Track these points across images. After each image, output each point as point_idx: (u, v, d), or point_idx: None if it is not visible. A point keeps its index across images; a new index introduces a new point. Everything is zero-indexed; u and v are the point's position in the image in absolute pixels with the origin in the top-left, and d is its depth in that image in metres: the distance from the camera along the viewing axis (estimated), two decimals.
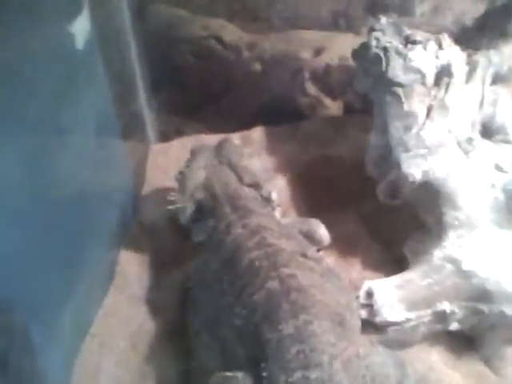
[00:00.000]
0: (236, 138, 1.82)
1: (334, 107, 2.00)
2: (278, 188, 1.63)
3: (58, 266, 1.17)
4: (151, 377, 1.21)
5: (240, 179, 1.43)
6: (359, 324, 1.15)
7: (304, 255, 1.19)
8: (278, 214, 1.47)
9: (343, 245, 1.44)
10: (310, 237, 1.37)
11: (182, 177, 1.50)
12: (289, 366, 0.99)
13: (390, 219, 1.44)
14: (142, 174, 1.82)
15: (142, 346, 1.27)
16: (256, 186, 1.43)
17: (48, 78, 1.15)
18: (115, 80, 1.59)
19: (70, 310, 1.18)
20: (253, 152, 1.69)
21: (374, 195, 1.44)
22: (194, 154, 1.55)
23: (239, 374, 1.04)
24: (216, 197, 1.38)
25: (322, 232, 1.40)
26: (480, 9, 1.78)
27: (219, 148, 1.54)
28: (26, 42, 1.06)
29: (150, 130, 1.99)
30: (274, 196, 1.47)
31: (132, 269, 1.49)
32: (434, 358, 1.18)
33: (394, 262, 1.36)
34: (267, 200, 1.44)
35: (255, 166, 1.57)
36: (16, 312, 0.99)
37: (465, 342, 1.21)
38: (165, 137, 2.00)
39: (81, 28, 1.31)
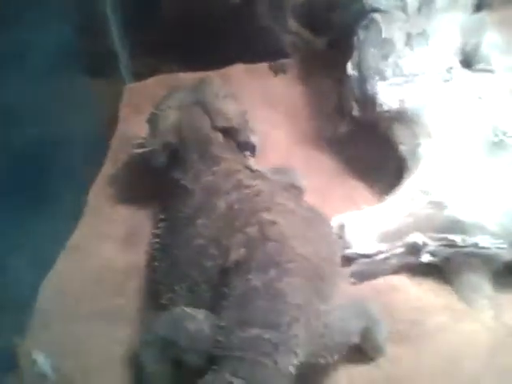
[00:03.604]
0: (214, 76, 1.77)
1: (317, 43, 1.92)
2: (258, 130, 1.58)
3: (19, 200, 1.15)
4: (116, 313, 1.19)
5: (213, 122, 1.33)
6: (339, 272, 1.11)
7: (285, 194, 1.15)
8: (253, 161, 1.35)
9: (319, 181, 1.40)
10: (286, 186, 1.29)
11: (153, 118, 1.41)
12: (246, 321, 0.96)
13: (366, 152, 1.40)
14: (114, 113, 1.77)
15: (107, 281, 1.25)
16: (231, 130, 1.34)
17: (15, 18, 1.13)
18: (83, 15, 1.55)
19: (29, 246, 1.17)
20: (232, 92, 1.62)
21: (352, 131, 1.41)
22: (168, 94, 1.47)
23: (201, 315, 1.01)
24: (185, 142, 1.30)
25: (298, 180, 1.33)
26: None
27: (196, 88, 1.44)
28: None
29: (124, 69, 1.92)
30: (254, 140, 1.38)
31: (102, 205, 1.47)
32: (407, 289, 1.17)
33: (371, 196, 1.33)
34: (245, 145, 1.35)
35: (233, 107, 1.43)
36: None
37: (438, 273, 1.19)
38: (141, 76, 1.92)
39: None
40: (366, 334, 1.05)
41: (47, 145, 1.30)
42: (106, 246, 1.35)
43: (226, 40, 1.87)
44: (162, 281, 1.15)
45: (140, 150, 1.39)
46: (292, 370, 0.95)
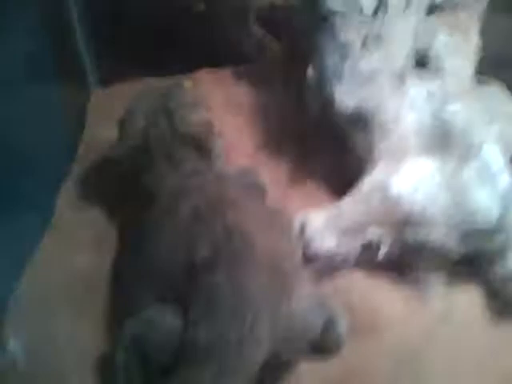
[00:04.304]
0: (182, 81, 1.79)
1: (279, 48, 1.96)
2: (222, 135, 1.60)
3: None
4: (84, 325, 1.20)
5: (177, 129, 1.35)
6: (300, 268, 1.14)
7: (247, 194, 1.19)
8: (217, 164, 1.38)
9: (281, 182, 1.46)
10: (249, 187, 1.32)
11: (122, 122, 1.45)
12: (212, 319, 0.99)
13: (327, 152, 1.45)
14: (81, 119, 1.78)
15: (77, 293, 1.27)
16: (195, 136, 1.36)
17: None
18: (49, 22, 1.55)
19: None
20: (200, 98, 1.65)
21: (313, 131, 1.45)
22: (137, 98, 1.50)
23: (170, 316, 1.03)
24: (150, 147, 1.33)
25: (260, 181, 1.36)
26: None
27: (164, 94, 1.47)
28: None
29: (91, 75, 1.93)
30: (218, 145, 1.41)
31: (70, 212, 1.48)
32: (364, 284, 1.21)
33: (331, 195, 1.37)
34: (210, 150, 1.37)
35: (198, 115, 1.44)
36: None
37: (394, 268, 1.23)
38: (108, 81, 1.93)
39: None
40: (327, 328, 1.08)
41: (12, 150, 1.30)
42: (74, 252, 1.36)
43: (191, 46, 1.90)
44: (132, 287, 1.17)
45: (109, 154, 1.44)
46: (256, 365, 0.98)
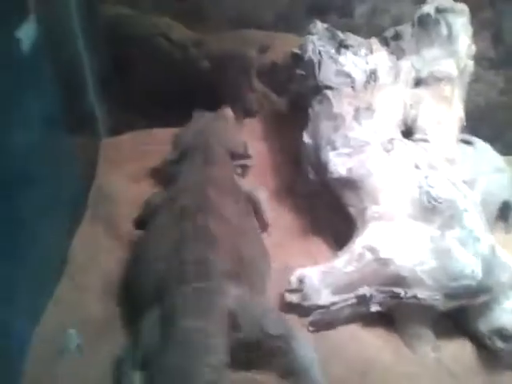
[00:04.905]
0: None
1: (280, 103, 2.10)
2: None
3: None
4: (98, 364, 1.26)
5: (221, 141, 1.62)
6: (263, 281, 1.32)
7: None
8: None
9: (281, 233, 1.57)
10: (255, 206, 1.55)
11: (176, 136, 1.74)
12: (185, 281, 1.17)
13: (322, 209, 1.57)
14: (92, 167, 1.88)
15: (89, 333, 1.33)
16: (234, 150, 1.64)
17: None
18: (63, 78, 1.64)
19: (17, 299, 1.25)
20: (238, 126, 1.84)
21: (311, 190, 1.57)
22: (192, 120, 1.80)
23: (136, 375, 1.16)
24: (195, 148, 1.59)
25: (264, 206, 1.57)
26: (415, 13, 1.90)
27: (215, 115, 1.78)
28: None
29: (101, 125, 2.04)
30: (248, 162, 1.69)
31: (82, 258, 1.55)
32: (358, 336, 1.30)
33: (325, 251, 1.49)
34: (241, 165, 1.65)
35: (238, 136, 1.76)
36: None
37: (386, 321, 1.33)
38: (116, 131, 2.05)
39: (26, 30, 1.35)
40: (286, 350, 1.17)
41: (28, 200, 1.36)
42: (86, 298, 1.44)
43: (197, 99, 2.02)
44: (132, 280, 1.36)
45: (165, 160, 1.70)
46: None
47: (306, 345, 1.19)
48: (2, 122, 1.25)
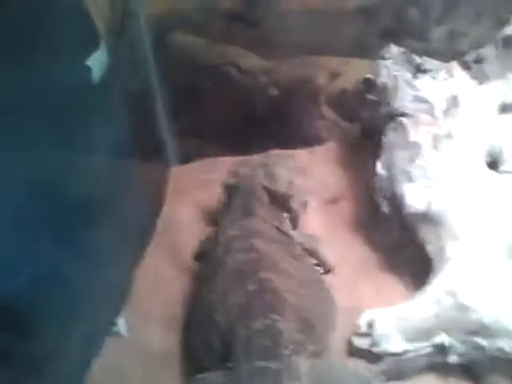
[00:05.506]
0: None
1: (350, 131, 2.02)
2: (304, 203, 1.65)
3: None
4: None
5: (266, 185, 1.51)
6: (330, 335, 1.23)
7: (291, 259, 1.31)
8: (289, 225, 1.52)
9: (351, 270, 1.47)
10: (313, 256, 1.46)
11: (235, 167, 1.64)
12: (252, 357, 1.09)
13: (396, 246, 1.46)
14: (162, 194, 1.89)
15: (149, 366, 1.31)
16: (280, 196, 1.51)
17: (66, 109, 1.22)
18: (135, 107, 1.66)
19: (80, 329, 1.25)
20: (303, 170, 1.69)
21: (384, 224, 1.46)
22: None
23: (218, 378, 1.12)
24: (238, 190, 1.52)
25: (322, 253, 1.48)
26: (497, 34, 1.78)
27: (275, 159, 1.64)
28: (45, 77, 1.14)
29: (171, 153, 2.07)
30: (296, 210, 1.54)
31: (146, 288, 1.54)
32: None
33: (399, 292, 1.37)
34: (289, 211, 1.51)
35: (288, 180, 1.56)
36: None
37: (465, 375, 1.20)
38: (185, 159, 2.06)
39: (98, 58, 1.38)
40: None
41: (97, 228, 1.37)
42: (148, 329, 1.41)
43: (265, 127, 2.00)
44: (189, 342, 1.31)
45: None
46: None
47: None
48: (73, 149, 1.27)
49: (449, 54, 1.80)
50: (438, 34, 1.90)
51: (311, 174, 1.81)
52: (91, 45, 1.38)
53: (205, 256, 1.47)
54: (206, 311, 1.25)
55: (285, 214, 1.52)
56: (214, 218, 1.69)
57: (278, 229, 1.42)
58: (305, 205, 1.58)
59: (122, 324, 1.41)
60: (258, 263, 1.25)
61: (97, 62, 1.38)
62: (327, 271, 1.47)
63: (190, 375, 1.19)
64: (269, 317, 1.14)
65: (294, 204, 1.53)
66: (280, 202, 1.51)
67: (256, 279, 1.21)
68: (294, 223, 1.54)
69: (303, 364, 1.10)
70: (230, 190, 1.57)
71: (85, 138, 1.32)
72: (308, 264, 1.41)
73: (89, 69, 1.34)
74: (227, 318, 1.18)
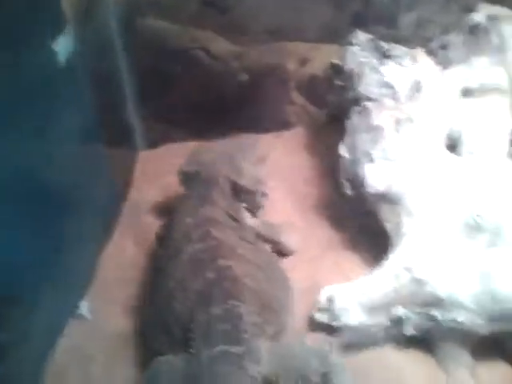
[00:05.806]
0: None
1: (319, 116, 2.05)
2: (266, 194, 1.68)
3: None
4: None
5: (229, 175, 1.51)
6: (289, 318, 1.26)
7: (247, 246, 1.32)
8: (249, 215, 1.54)
9: (315, 250, 1.51)
10: (272, 243, 1.48)
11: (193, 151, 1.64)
12: (212, 342, 1.09)
13: (357, 224, 1.50)
14: (129, 178, 1.89)
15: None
16: (242, 187, 1.52)
17: (31, 92, 1.22)
18: (101, 90, 1.65)
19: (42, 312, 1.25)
20: (263, 158, 1.71)
21: (345, 204, 1.50)
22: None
23: (177, 361, 1.13)
24: (199, 178, 1.50)
25: (283, 239, 1.50)
26: (464, 21, 1.82)
27: (237, 145, 1.65)
28: (9, 60, 1.14)
29: (139, 137, 2.06)
30: (260, 201, 1.56)
31: (111, 273, 1.54)
32: (391, 360, 1.22)
33: (359, 268, 1.41)
34: (251, 203, 1.53)
35: (252, 171, 1.59)
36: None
37: (420, 345, 1.24)
38: (153, 144, 2.06)
39: (62, 42, 1.36)
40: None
41: (63, 211, 1.38)
42: (111, 312, 1.43)
43: (234, 112, 2.01)
44: (147, 329, 1.30)
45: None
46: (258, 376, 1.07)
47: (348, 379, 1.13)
48: (37, 133, 1.27)
49: (417, 40, 1.84)
50: (407, 20, 1.93)
51: (276, 159, 1.86)
52: (57, 28, 1.37)
53: (163, 242, 1.46)
54: (165, 299, 1.24)
55: (243, 204, 1.53)
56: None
57: (232, 216, 1.43)
58: (265, 196, 1.59)
59: (85, 306, 1.42)
60: (217, 250, 1.26)
61: (63, 45, 1.37)
62: (288, 254, 1.50)
63: (151, 358, 1.18)
64: (228, 303, 1.15)
65: (258, 198, 1.55)
66: (244, 196, 1.52)
67: (215, 267, 1.22)
68: (254, 213, 1.56)
69: (263, 347, 1.11)
70: (188, 178, 1.56)
71: (49, 121, 1.31)
72: (263, 249, 1.43)
73: (55, 52, 1.34)
74: (186, 305, 1.18)
